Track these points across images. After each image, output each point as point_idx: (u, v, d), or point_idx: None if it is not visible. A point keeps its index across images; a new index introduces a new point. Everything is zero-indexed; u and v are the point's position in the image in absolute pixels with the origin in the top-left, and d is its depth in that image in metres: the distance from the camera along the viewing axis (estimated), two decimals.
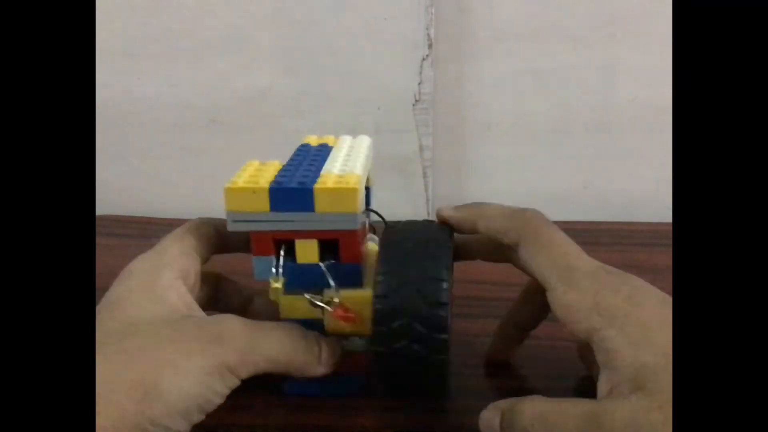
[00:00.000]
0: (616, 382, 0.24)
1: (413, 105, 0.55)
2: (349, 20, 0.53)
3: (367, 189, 0.34)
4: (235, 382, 0.27)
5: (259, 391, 0.32)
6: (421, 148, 0.57)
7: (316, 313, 0.30)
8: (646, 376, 0.23)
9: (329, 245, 0.30)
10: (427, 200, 0.58)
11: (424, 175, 0.58)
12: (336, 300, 0.30)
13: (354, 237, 0.29)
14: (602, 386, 0.25)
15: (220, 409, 0.32)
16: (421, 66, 0.54)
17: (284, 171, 0.30)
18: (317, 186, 0.28)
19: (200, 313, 0.29)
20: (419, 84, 0.54)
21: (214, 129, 0.58)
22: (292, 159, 0.32)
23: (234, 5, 0.54)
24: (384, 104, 0.55)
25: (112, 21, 0.54)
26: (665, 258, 0.48)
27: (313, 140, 0.35)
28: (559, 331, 0.30)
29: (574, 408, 0.25)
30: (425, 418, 0.32)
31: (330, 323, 0.30)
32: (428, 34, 0.52)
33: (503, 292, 0.40)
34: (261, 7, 0.53)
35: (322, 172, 0.30)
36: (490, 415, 0.27)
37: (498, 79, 0.55)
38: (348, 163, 0.31)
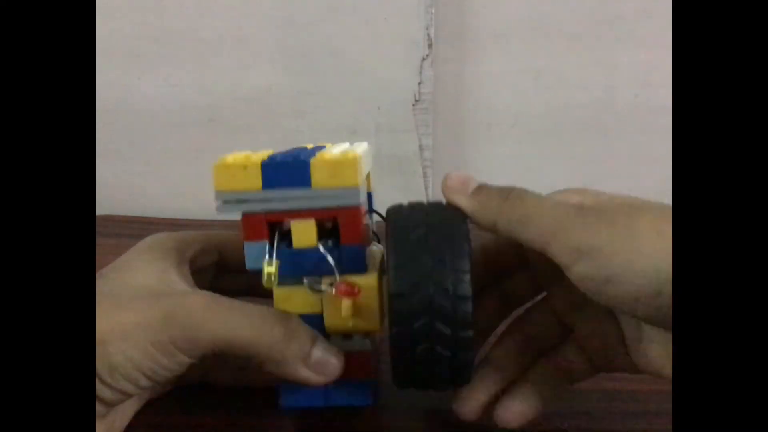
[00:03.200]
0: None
1: (413, 105, 0.55)
2: (349, 20, 0.53)
3: (369, 194, 0.32)
4: (184, 360, 0.26)
5: (258, 391, 0.32)
6: (421, 148, 0.57)
7: (315, 307, 0.27)
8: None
9: (327, 230, 0.28)
10: (427, 200, 0.58)
11: (424, 175, 0.58)
12: (337, 280, 0.27)
13: (356, 214, 0.27)
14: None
15: (221, 408, 0.32)
16: (421, 66, 0.54)
17: (277, 153, 0.28)
18: (314, 159, 0.26)
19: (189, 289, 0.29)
20: (419, 84, 0.54)
21: (214, 129, 0.58)
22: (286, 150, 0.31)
23: (234, 5, 0.54)
24: (384, 104, 0.56)
25: (112, 21, 0.54)
26: None
27: (310, 146, 0.34)
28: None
29: None
30: (421, 419, 0.32)
31: (331, 316, 0.27)
32: (428, 34, 0.53)
33: None
34: (261, 7, 0.53)
35: (318, 153, 0.28)
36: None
37: (498, 79, 0.55)
38: (346, 150, 0.29)
